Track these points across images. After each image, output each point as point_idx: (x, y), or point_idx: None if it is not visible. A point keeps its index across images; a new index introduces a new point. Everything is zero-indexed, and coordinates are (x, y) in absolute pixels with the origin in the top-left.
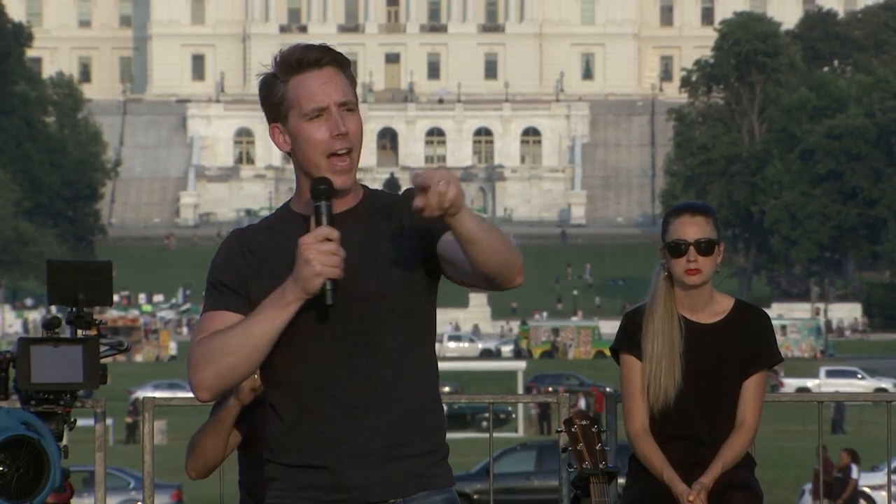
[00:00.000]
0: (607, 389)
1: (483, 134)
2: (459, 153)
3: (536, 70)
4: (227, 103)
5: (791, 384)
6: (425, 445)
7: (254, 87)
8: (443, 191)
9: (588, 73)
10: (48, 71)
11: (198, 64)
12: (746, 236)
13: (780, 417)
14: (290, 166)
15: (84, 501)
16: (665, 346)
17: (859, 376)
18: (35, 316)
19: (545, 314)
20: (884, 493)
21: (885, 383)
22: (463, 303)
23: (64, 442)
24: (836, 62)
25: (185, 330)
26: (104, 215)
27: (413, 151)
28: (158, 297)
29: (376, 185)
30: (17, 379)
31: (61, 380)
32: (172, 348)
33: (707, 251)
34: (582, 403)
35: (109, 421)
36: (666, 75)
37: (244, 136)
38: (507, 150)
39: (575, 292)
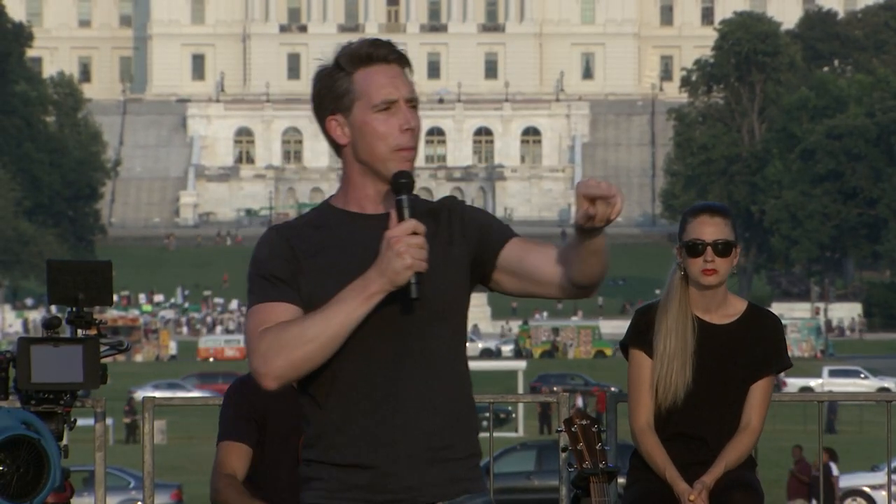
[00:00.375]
0: (612, 389)
1: (483, 133)
2: (459, 153)
3: (536, 70)
4: (227, 103)
5: (794, 384)
6: (466, 449)
7: (253, 87)
8: (616, 203)
9: (588, 73)
10: (48, 71)
11: (198, 63)
12: (747, 236)
13: (780, 417)
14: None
15: (84, 501)
16: (678, 345)
17: (862, 376)
18: (35, 316)
19: (545, 314)
20: (884, 493)
21: (889, 383)
22: None
23: (64, 441)
24: (836, 62)
25: (184, 329)
26: (104, 215)
27: None
28: (158, 297)
29: None
30: (17, 379)
31: (61, 379)
32: (172, 348)
33: (724, 252)
34: (579, 402)
35: (109, 421)
36: (666, 75)
37: (244, 135)
38: (507, 149)
39: None
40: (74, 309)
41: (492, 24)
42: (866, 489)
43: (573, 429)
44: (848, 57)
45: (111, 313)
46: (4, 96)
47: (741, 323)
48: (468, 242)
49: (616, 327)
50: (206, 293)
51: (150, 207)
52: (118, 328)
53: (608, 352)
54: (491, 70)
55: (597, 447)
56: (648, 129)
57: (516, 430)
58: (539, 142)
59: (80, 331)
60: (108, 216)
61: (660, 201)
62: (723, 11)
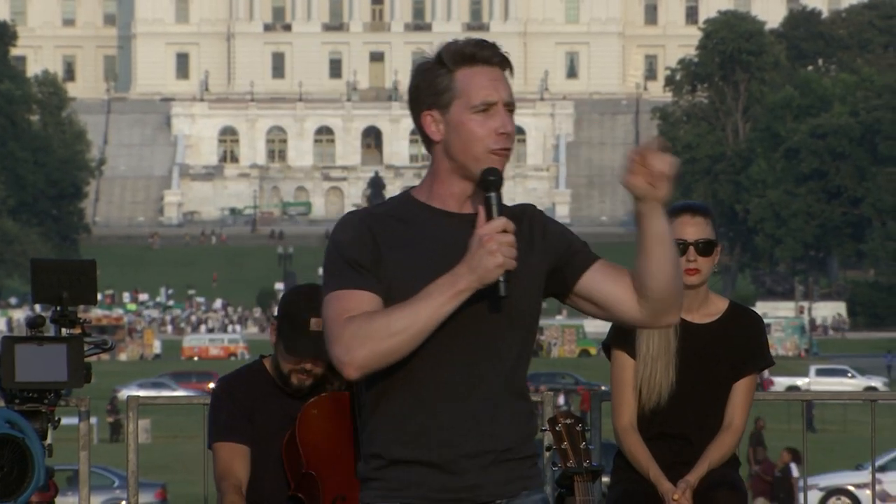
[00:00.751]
0: (602, 388)
1: None
2: None
3: (521, 69)
4: (212, 102)
5: (781, 383)
6: (527, 450)
7: (238, 86)
8: (663, 169)
9: (572, 72)
10: (32, 69)
11: (182, 62)
12: (731, 235)
13: (764, 416)
14: (274, 165)
15: (68, 500)
16: (661, 346)
17: (849, 375)
18: (19, 315)
19: None
20: (868, 492)
21: (875, 382)
22: None
23: (48, 441)
24: (820, 61)
25: (169, 328)
26: (88, 214)
27: (397, 150)
28: (143, 296)
29: (361, 184)
30: (1, 378)
31: (45, 378)
32: (157, 347)
33: (706, 252)
34: (561, 400)
35: (93, 420)
36: (650, 74)
37: (228, 134)
38: None
39: None
40: (59, 308)
41: (476, 23)
42: (850, 488)
43: (557, 428)
44: (832, 56)
45: (95, 312)
46: None
47: (723, 322)
48: (548, 254)
49: (600, 326)
50: (191, 292)
51: (134, 206)
52: (103, 327)
53: (593, 351)
54: None
55: (581, 446)
56: (633, 129)
57: None
58: (523, 141)
59: (64, 330)
60: (93, 215)
61: None
62: (707, 11)
